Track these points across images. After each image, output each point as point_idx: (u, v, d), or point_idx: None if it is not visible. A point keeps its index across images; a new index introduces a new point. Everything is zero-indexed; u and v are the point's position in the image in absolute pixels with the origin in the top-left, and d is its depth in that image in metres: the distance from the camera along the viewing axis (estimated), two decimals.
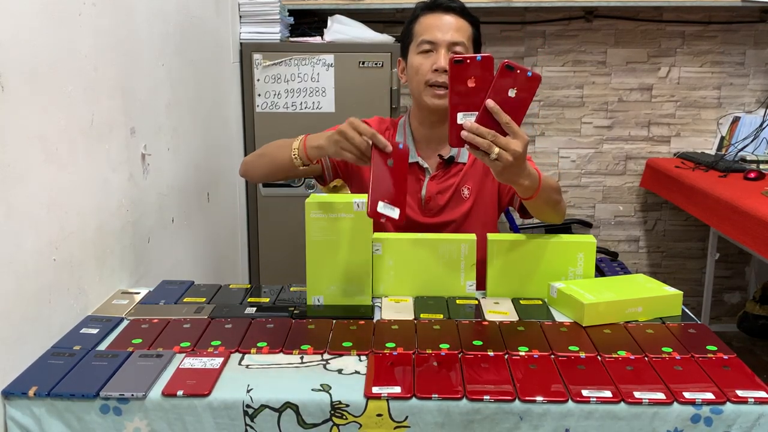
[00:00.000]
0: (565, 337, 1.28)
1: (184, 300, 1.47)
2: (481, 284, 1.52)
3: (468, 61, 1.24)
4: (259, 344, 1.24)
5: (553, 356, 1.21)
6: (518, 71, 1.23)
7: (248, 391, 1.09)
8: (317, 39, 2.77)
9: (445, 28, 1.68)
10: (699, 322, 1.37)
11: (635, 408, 1.07)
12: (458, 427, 1.08)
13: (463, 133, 1.24)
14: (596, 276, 1.50)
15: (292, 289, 1.54)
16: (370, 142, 1.34)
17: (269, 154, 1.66)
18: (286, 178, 1.72)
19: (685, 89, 3.27)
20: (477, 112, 1.25)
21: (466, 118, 1.25)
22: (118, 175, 1.57)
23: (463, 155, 1.76)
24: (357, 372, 1.15)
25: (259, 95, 2.72)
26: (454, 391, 1.09)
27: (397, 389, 1.09)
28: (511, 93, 1.24)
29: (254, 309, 1.42)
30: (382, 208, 1.29)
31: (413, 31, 1.73)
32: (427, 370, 1.15)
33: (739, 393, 1.08)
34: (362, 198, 1.40)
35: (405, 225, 1.76)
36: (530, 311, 1.41)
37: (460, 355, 1.21)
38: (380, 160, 1.32)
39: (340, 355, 1.22)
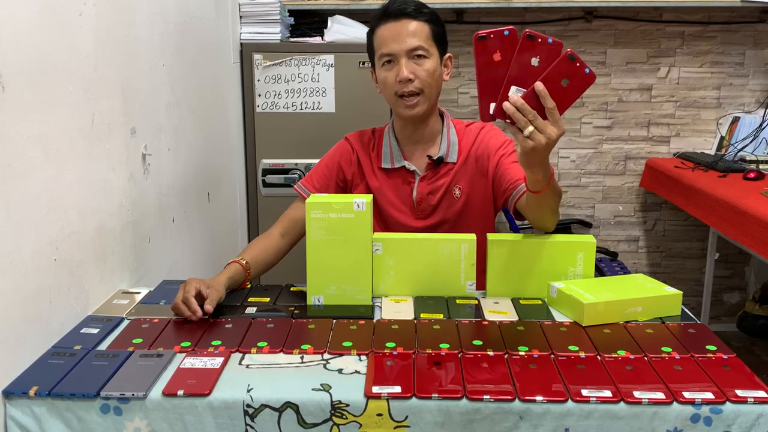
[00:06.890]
0: (565, 337, 1.28)
1: None
2: (480, 284, 1.52)
3: (539, 39, 1.25)
4: (259, 344, 1.24)
5: (552, 356, 1.21)
6: (577, 64, 1.25)
7: (248, 391, 1.09)
8: (317, 39, 2.77)
9: (401, 36, 1.64)
10: (698, 322, 1.37)
11: (635, 408, 1.07)
12: (458, 426, 1.08)
13: (506, 104, 1.27)
14: (596, 276, 1.50)
15: (292, 289, 1.54)
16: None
17: None
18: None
19: (684, 89, 3.27)
20: (525, 90, 1.27)
21: (516, 93, 1.27)
22: (118, 175, 1.57)
23: (452, 155, 1.74)
24: (357, 372, 1.16)
25: (260, 95, 2.72)
26: (454, 390, 1.09)
27: (397, 389, 1.09)
28: (564, 83, 1.25)
29: (254, 309, 1.42)
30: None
31: (373, 45, 1.71)
32: (427, 370, 1.15)
33: (739, 393, 1.08)
34: (362, 198, 1.40)
35: (398, 230, 1.75)
36: (530, 311, 1.41)
37: (460, 355, 1.21)
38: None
39: (340, 355, 1.22)
